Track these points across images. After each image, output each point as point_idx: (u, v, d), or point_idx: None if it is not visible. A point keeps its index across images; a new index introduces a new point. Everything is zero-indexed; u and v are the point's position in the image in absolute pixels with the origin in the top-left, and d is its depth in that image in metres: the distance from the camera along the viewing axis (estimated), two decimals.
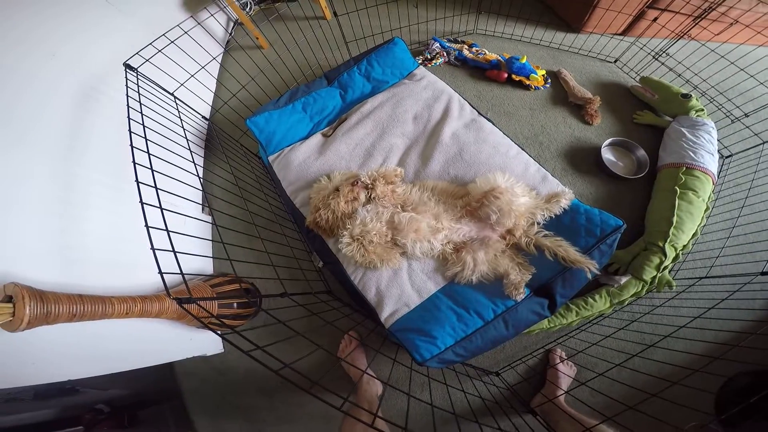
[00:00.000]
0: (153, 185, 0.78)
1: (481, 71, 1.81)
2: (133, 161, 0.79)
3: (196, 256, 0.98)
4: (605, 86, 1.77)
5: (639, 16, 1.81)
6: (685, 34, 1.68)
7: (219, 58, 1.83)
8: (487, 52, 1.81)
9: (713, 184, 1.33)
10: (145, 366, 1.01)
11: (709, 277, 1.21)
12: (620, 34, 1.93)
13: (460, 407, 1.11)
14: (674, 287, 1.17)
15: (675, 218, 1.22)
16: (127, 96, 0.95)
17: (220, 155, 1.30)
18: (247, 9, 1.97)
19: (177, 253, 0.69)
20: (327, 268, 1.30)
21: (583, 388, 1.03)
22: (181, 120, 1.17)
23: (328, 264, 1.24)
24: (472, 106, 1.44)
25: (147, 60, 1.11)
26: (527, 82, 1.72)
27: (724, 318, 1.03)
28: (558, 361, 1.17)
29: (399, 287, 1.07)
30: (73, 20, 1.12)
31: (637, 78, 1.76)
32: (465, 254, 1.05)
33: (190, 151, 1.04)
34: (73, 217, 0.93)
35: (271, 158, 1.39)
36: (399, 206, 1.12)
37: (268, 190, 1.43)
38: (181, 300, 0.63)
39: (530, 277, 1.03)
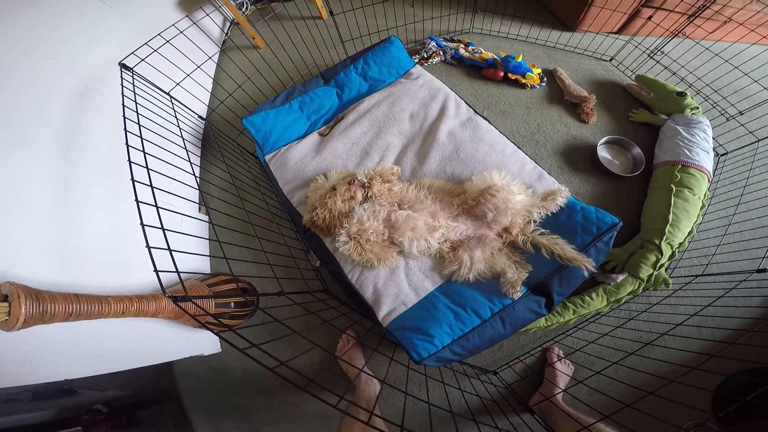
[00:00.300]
0: (149, 184, 0.78)
1: (477, 70, 1.82)
2: (129, 160, 0.79)
3: (193, 255, 0.98)
4: (601, 85, 1.77)
5: (634, 15, 1.82)
6: (679, 32, 1.69)
7: (215, 58, 1.82)
8: (483, 50, 1.82)
9: (709, 181, 1.34)
10: (142, 366, 1.00)
11: (705, 275, 1.21)
12: (615, 33, 1.94)
13: (457, 406, 1.11)
14: (671, 285, 1.18)
15: (671, 216, 1.22)
16: (123, 95, 0.95)
17: (217, 154, 1.30)
18: (243, 8, 1.97)
19: (173, 252, 0.69)
20: (324, 267, 1.30)
21: (581, 386, 1.03)
22: (177, 119, 1.17)
23: (325, 263, 1.24)
24: (469, 105, 1.45)
25: (142, 60, 1.11)
26: (523, 81, 1.72)
27: (720, 315, 1.03)
28: (555, 359, 1.17)
29: (396, 286, 1.07)
30: (72, 21, 1.12)
31: (633, 76, 1.76)
32: (462, 252, 1.05)
33: (187, 150, 1.04)
34: (72, 217, 0.93)
35: (267, 157, 1.39)
36: (396, 205, 1.12)
37: (265, 189, 1.42)
38: (177, 298, 0.63)
39: (527, 275, 1.03)
